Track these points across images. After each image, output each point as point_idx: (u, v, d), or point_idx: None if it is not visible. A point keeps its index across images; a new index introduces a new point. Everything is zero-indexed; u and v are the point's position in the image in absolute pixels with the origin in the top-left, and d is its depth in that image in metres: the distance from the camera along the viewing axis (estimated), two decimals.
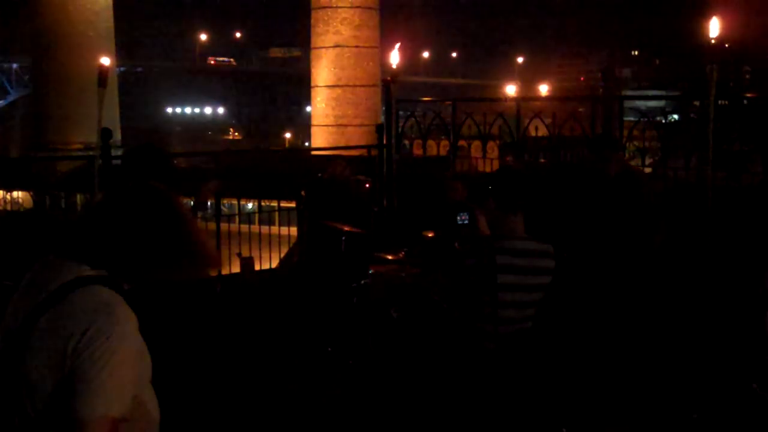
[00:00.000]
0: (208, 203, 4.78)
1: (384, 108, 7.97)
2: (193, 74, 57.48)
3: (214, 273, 3.65)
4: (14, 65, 43.68)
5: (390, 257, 5.55)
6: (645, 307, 5.46)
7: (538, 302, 3.31)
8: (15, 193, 13.67)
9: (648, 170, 7.79)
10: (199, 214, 4.61)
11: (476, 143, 8.93)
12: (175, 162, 4.88)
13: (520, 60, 60.38)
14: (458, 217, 3.50)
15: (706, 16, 5.70)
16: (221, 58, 61.62)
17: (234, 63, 61.44)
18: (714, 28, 5.62)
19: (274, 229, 8.45)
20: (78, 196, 10.65)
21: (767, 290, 3.54)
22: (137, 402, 1.76)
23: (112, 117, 22.50)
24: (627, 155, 7.42)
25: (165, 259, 1.83)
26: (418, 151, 9.25)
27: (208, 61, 60.68)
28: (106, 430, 1.65)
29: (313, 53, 21.85)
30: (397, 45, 7.11)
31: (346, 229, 5.91)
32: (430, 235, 5.48)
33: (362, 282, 5.46)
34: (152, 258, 1.82)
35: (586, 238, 5.24)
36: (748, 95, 13.26)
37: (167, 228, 1.83)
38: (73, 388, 1.64)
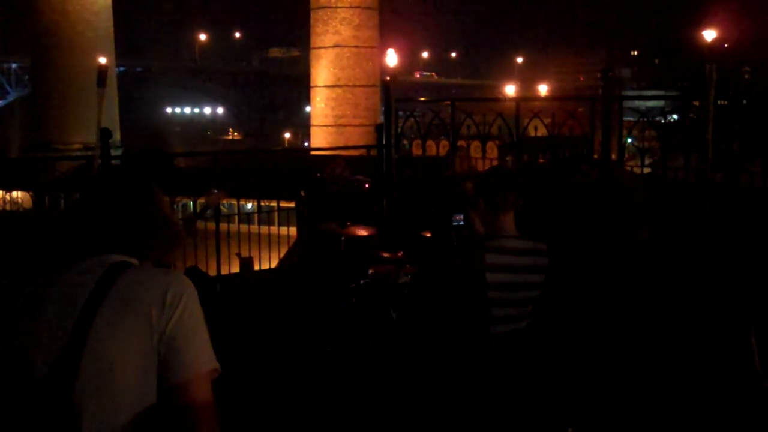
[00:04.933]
0: (209, 211, 4.77)
1: (383, 108, 7.97)
2: (193, 74, 57.48)
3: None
4: (14, 65, 43.70)
5: (389, 257, 5.55)
6: (645, 307, 5.46)
7: (533, 301, 3.31)
8: (15, 193, 13.67)
9: (648, 170, 7.79)
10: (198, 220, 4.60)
11: (475, 143, 8.94)
12: (175, 161, 4.87)
13: (519, 60, 60.45)
14: (453, 218, 3.51)
15: (706, 17, 5.71)
16: (426, 73, 61.55)
17: (436, 76, 60.96)
18: (712, 30, 5.64)
19: (274, 229, 8.45)
20: (78, 197, 10.62)
21: None
22: None
23: (112, 117, 22.52)
24: (627, 155, 7.42)
25: (157, 240, 1.86)
26: (417, 151, 9.25)
27: (413, 75, 60.45)
28: (209, 382, 1.67)
29: (313, 53, 21.87)
30: (390, 49, 7.13)
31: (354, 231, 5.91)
32: (428, 235, 5.48)
33: (362, 282, 5.47)
34: (150, 238, 1.84)
35: (576, 237, 5.23)
36: (745, 96, 13.25)
37: (154, 211, 1.86)
38: (173, 352, 1.63)
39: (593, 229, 4.54)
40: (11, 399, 1.65)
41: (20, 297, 1.75)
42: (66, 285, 1.70)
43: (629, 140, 7.79)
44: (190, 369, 1.63)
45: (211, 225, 7.10)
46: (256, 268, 7.76)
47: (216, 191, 4.66)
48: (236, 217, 7.92)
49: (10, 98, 44.60)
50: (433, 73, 62.24)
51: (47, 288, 1.72)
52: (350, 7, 20.94)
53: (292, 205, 8.32)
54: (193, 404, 1.62)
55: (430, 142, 8.61)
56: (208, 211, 4.64)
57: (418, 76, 60.59)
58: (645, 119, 7.62)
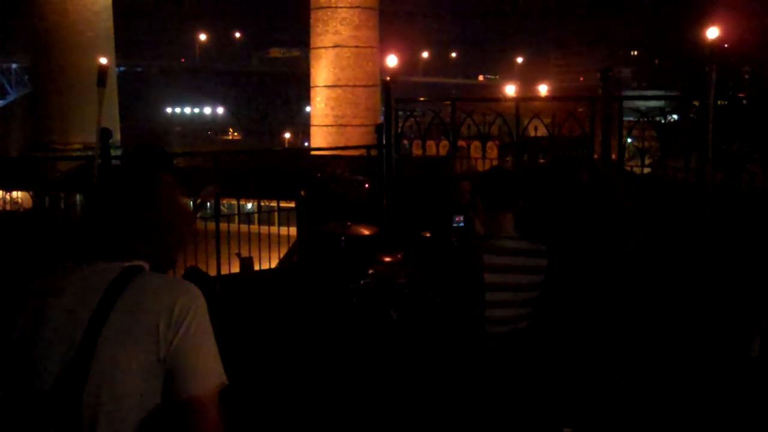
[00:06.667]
0: (207, 204, 4.78)
1: (383, 108, 7.97)
2: (193, 74, 57.47)
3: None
4: (14, 65, 43.66)
5: (389, 257, 5.55)
6: (645, 306, 5.47)
7: (532, 301, 3.30)
8: (15, 193, 13.68)
9: (647, 170, 7.80)
10: (198, 214, 4.61)
11: (475, 143, 8.94)
12: (175, 162, 4.87)
13: (519, 60, 60.42)
14: (454, 219, 3.52)
15: (707, 17, 5.73)
16: (489, 76, 61.23)
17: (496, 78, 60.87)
18: (713, 30, 5.64)
19: (274, 229, 8.46)
20: (78, 196, 10.66)
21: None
22: None
23: (112, 117, 22.55)
24: (627, 155, 7.42)
25: (166, 240, 1.81)
26: (417, 151, 9.25)
27: (477, 78, 59.67)
28: (215, 398, 1.62)
29: (313, 53, 21.87)
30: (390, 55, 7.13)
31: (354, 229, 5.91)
32: (428, 235, 5.49)
33: (362, 282, 5.46)
34: (159, 239, 1.79)
35: (571, 240, 5.25)
36: (743, 95, 13.25)
37: (162, 208, 1.79)
38: (179, 366, 1.59)
39: (587, 232, 4.56)
40: (20, 406, 1.62)
41: (21, 299, 1.70)
42: (74, 291, 1.66)
43: (629, 140, 7.80)
44: (196, 384, 1.59)
45: (211, 225, 7.10)
46: (256, 268, 7.76)
47: (209, 187, 4.68)
48: (236, 217, 7.92)
49: (10, 98, 44.57)
50: (497, 76, 62.21)
51: (54, 292, 1.68)
52: (350, 7, 20.94)
53: (292, 205, 8.33)
54: (198, 420, 1.59)
55: (430, 142, 8.61)
56: (207, 206, 4.66)
57: (481, 78, 60.94)
58: (645, 119, 7.63)
